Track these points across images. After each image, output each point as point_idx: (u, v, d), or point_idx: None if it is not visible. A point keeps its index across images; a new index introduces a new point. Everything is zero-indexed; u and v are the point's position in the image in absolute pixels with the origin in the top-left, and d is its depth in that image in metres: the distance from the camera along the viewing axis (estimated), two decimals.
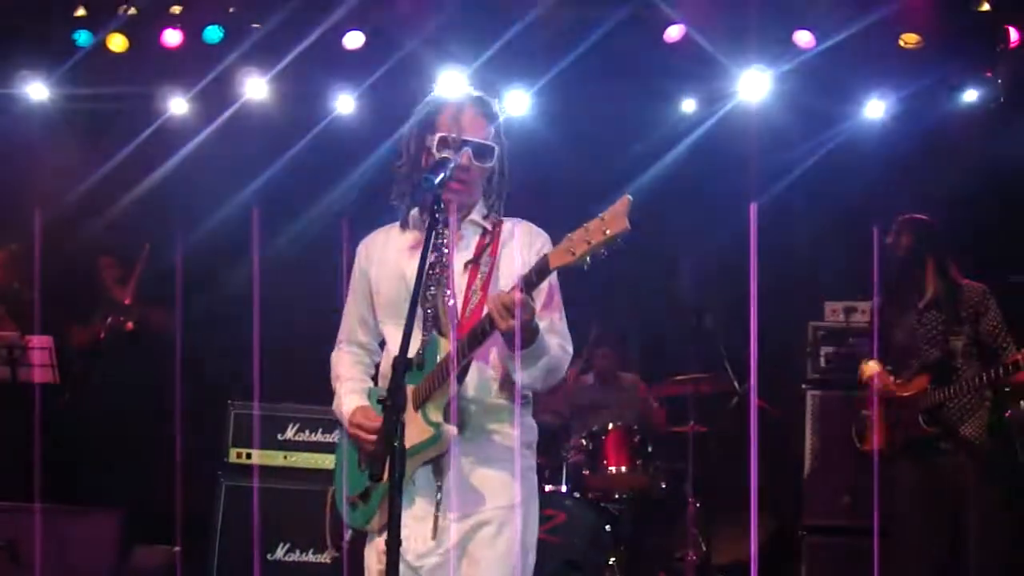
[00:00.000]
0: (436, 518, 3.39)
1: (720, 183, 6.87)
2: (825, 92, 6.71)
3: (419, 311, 3.38)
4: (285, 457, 6.06)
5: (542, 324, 3.34)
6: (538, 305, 3.34)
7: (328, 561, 5.90)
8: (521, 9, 6.41)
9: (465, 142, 3.43)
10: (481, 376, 3.45)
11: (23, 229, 6.67)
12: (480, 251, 3.50)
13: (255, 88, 6.95)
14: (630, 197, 3.04)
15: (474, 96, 3.52)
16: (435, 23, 6.51)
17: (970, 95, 6.66)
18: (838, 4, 6.40)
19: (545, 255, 3.17)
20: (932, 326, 5.29)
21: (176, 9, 6.80)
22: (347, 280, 3.65)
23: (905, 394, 5.27)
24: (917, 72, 6.56)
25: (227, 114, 7.03)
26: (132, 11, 6.70)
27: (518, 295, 3.16)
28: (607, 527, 6.10)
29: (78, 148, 7.28)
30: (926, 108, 6.73)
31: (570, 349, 3.49)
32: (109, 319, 7.08)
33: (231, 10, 6.80)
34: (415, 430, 3.30)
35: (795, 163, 6.96)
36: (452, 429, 3.36)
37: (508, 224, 3.54)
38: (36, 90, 7.02)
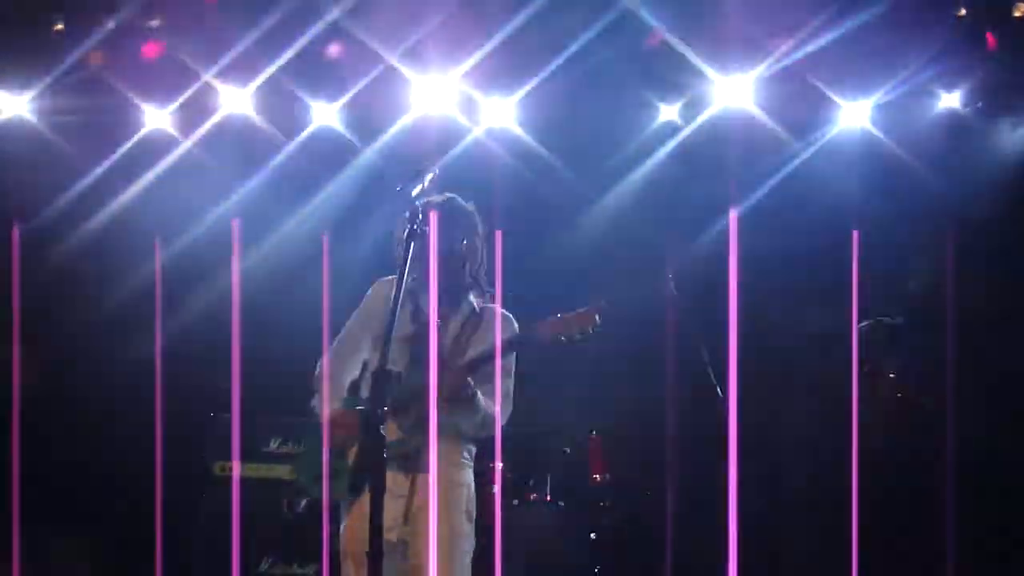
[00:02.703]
0: (407, 504, 4.11)
1: (700, 190, 6.86)
2: (804, 98, 6.72)
3: (408, 347, 4.17)
4: (269, 469, 6.05)
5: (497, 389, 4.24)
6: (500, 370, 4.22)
7: (312, 574, 5.90)
8: (502, 19, 6.41)
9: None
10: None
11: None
12: (467, 319, 4.31)
13: (235, 100, 6.93)
14: (598, 319, 4.07)
15: (445, 200, 4.26)
16: (415, 34, 6.51)
17: (949, 100, 6.68)
18: (817, 10, 6.40)
19: (534, 325, 4.16)
20: None
21: (155, 22, 6.78)
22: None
23: None
24: (896, 77, 6.58)
25: (207, 127, 7.01)
26: (111, 24, 6.68)
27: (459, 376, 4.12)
28: (592, 535, 6.10)
29: (57, 162, 7.23)
30: (905, 113, 6.74)
31: (509, 409, 4.32)
32: None
33: (210, 22, 6.77)
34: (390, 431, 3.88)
35: (775, 170, 6.96)
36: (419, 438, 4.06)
37: (491, 307, 4.40)
38: (14, 103, 7.00)
